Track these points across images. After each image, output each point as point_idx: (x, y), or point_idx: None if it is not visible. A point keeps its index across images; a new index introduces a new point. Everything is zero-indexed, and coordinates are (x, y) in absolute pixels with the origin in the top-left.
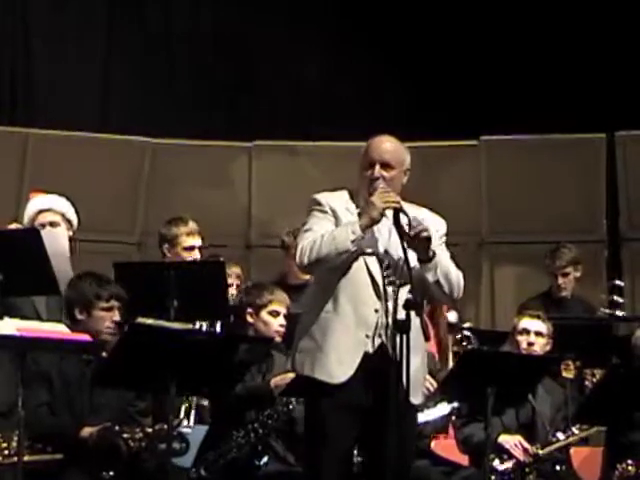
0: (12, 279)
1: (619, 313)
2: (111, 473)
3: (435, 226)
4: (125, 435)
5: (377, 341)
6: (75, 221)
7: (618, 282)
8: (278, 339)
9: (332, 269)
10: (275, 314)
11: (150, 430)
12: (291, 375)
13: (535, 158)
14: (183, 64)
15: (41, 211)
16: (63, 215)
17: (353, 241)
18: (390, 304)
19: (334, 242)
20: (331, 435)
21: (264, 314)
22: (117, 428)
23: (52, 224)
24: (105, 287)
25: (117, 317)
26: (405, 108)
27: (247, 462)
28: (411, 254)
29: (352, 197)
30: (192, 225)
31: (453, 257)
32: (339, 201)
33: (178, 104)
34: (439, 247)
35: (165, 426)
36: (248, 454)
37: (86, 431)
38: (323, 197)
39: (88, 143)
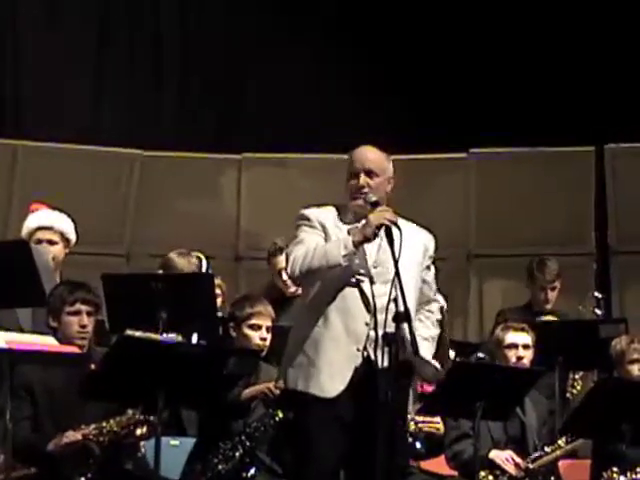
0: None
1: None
2: (83, 479)
3: (423, 241)
4: (94, 432)
5: (367, 354)
6: (74, 240)
7: (597, 294)
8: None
9: (325, 287)
10: (256, 328)
11: (118, 419)
12: (260, 387)
13: (524, 171)
14: (172, 77)
15: (41, 228)
16: (62, 234)
17: (345, 256)
18: (380, 317)
19: (325, 255)
20: (319, 449)
21: (245, 328)
22: (82, 430)
23: (50, 242)
24: (70, 291)
25: (85, 321)
26: (395, 120)
27: (234, 474)
28: (403, 267)
29: (339, 212)
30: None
31: (438, 273)
32: (328, 217)
33: (167, 116)
34: (426, 272)
35: (135, 414)
36: (236, 466)
37: (50, 445)
38: (312, 213)
39: (77, 155)
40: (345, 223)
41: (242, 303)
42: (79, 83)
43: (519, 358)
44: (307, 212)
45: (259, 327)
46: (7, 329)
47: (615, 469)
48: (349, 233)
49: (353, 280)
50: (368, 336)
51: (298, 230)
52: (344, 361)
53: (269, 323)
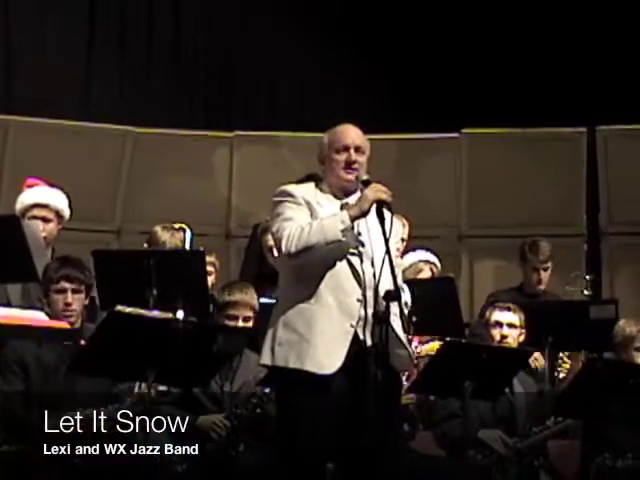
0: None
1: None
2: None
3: (395, 226)
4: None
5: (360, 331)
6: (67, 217)
7: (587, 276)
8: None
9: (316, 264)
10: (233, 318)
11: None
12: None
13: (516, 152)
14: (165, 54)
15: (37, 205)
16: (57, 212)
17: (343, 231)
18: (370, 294)
19: (323, 231)
20: (310, 431)
21: (222, 316)
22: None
23: (45, 220)
24: (56, 269)
25: (69, 299)
26: (387, 100)
27: (224, 452)
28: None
29: (318, 188)
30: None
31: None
32: (310, 194)
33: (160, 94)
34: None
35: None
36: (225, 444)
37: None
38: (295, 189)
39: (69, 131)
40: (328, 198)
41: (223, 290)
42: (71, 59)
43: (503, 337)
44: (289, 189)
45: (235, 317)
46: None
47: (607, 455)
48: (342, 209)
49: (353, 252)
50: (361, 313)
51: (280, 206)
52: (339, 337)
53: (248, 313)
